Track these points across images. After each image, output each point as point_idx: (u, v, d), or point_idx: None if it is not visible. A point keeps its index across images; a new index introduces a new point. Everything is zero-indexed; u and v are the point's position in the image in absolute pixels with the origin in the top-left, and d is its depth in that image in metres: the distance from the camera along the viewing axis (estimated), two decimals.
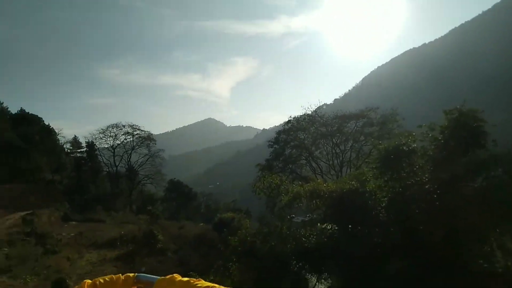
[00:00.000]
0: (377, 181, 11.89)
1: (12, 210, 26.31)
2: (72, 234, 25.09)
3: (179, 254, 24.11)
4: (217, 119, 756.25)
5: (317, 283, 13.09)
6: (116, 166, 48.01)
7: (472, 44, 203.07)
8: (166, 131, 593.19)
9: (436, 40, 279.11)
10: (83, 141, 47.10)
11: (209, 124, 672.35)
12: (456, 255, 9.15)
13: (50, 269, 17.62)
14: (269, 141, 38.98)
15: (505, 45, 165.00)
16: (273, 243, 12.88)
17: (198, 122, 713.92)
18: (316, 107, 39.46)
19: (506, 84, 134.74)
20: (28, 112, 43.21)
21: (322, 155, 37.05)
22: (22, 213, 25.29)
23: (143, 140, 48.68)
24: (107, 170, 48.55)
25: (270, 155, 37.56)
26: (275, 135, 38.41)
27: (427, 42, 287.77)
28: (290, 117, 37.79)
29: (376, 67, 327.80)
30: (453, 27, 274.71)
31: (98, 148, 47.18)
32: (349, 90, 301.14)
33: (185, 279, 1.24)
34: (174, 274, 1.29)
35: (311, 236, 12.59)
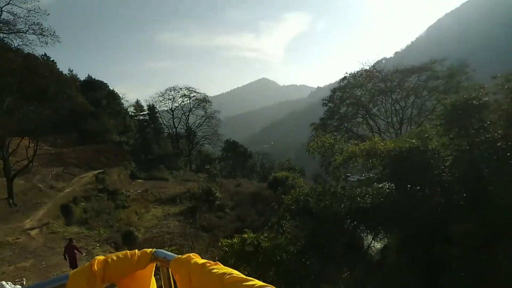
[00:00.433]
0: (441, 138, 11.18)
1: (86, 169, 29.79)
2: (139, 191, 27.69)
3: (236, 210, 25.66)
4: (270, 78, 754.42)
5: (372, 241, 13.15)
6: (176, 128, 50.99)
7: None
8: (222, 92, 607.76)
9: None
10: (144, 105, 50.72)
11: (263, 84, 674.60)
12: None
13: (121, 222, 19.76)
14: (323, 99, 38.24)
15: None
16: (327, 202, 12.88)
17: (252, 82, 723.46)
18: (374, 62, 37.51)
19: None
20: (95, 78, 47.04)
21: (380, 113, 35.51)
22: (95, 172, 28.46)
23: (199, 102, 50.54)
24: (168, 131, 52.00)
25: (324, 114, 37.00)
26: (330, 93, 37.35)
27: None
28: (346, 73, 36.53)
29: (443, 14, 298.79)
30: None
31: (158, 111, 50.50)
32: (411, 41, 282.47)
33: (202, 261, 1.16)
34: (191, 254, 1.23)
35: (367, 195, 12.34)
